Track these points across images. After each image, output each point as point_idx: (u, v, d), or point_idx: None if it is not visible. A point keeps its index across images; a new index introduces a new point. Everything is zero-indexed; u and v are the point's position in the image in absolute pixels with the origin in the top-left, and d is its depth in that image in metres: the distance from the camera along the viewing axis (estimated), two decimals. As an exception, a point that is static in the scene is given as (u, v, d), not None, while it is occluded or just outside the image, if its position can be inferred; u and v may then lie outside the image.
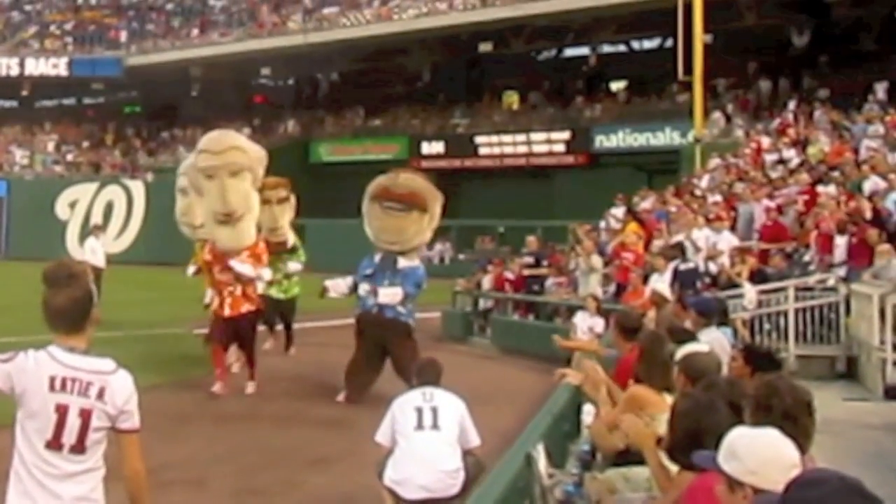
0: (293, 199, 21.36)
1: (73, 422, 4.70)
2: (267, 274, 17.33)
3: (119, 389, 4.78)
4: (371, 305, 15.84)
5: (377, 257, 16.15)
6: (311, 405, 15.42)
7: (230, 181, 16.31)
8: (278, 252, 20.25)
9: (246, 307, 16.58)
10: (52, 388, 4.69)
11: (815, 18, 40.57)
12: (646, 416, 6.22)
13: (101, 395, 4.73)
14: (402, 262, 15.92)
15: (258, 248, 16.86)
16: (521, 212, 42.12)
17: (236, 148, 16.77)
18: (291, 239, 21.20)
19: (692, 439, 4.58)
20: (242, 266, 16.44)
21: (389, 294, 15.68)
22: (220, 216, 16.46)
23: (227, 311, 16.45)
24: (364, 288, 15.95)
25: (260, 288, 19.51)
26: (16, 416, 4.78)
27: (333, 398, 15.74)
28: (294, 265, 21.01)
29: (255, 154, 17.01)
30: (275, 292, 20.28)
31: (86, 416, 4.71)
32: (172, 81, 57.87)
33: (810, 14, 40.55)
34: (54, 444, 4.71)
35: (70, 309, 4.78)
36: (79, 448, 4.73)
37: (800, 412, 4.44)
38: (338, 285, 16.60)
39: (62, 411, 4.69)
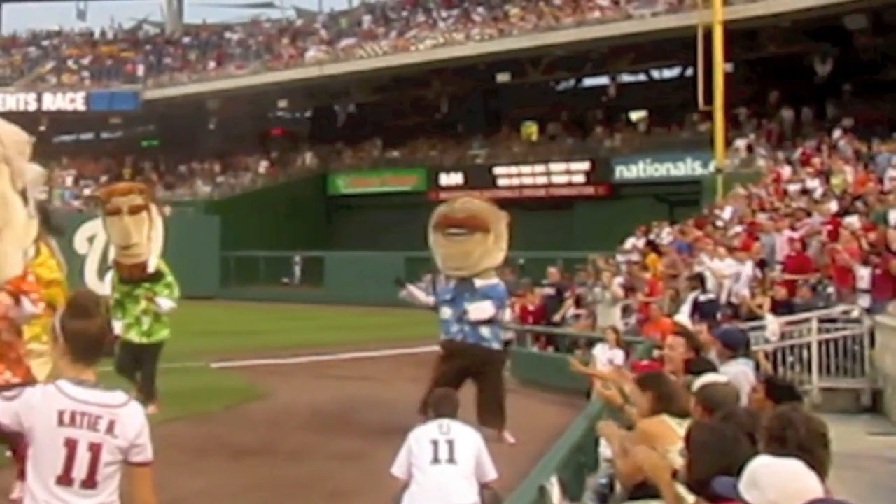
0: (156, 211, 17.38)
1: (82, 456, 4.62)
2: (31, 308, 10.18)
3: (130, 422, 4.70)
4: (455, 332, 15.45)
5: (453, 283, 15.91)
6: (329, 438, 15.27)
7: None
8: (137, 279, 16.85)
9: (5, 376, 10.16)
10: (60, 422, 4.60)
11: (838, 47, 40.47)
12: (659, 451, 6.08)
13: (110, 428, 4.64)
14: (480, 282, 15.53)
15: (24, 284, 10.25)
16: (542, 243, 41.97)
17: None
18: (154, 262, 16.95)
19: (721, 473, 4.44)
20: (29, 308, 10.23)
21: (479, 309, 15.27)
22: None
23: None
24: (447, 312, 15.59)
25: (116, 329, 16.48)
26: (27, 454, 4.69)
27: (351, 431, 15.61)
28: (166, 303, 16.83)
29: (8, 137, 10.76)
30: (134, 336, 16.49)
31: (96, 450, 4.62)
32: (190, 115, 58.32)
33: (832, 42, 40.48)
34: (65, 479, 4.62)
35: (102, 337, 4.75)
36: (90, 483, 4.64)
37: (815, 444, 4.31)
38: (416, 292, 16.25)
39: (71, 446, 4.60)
